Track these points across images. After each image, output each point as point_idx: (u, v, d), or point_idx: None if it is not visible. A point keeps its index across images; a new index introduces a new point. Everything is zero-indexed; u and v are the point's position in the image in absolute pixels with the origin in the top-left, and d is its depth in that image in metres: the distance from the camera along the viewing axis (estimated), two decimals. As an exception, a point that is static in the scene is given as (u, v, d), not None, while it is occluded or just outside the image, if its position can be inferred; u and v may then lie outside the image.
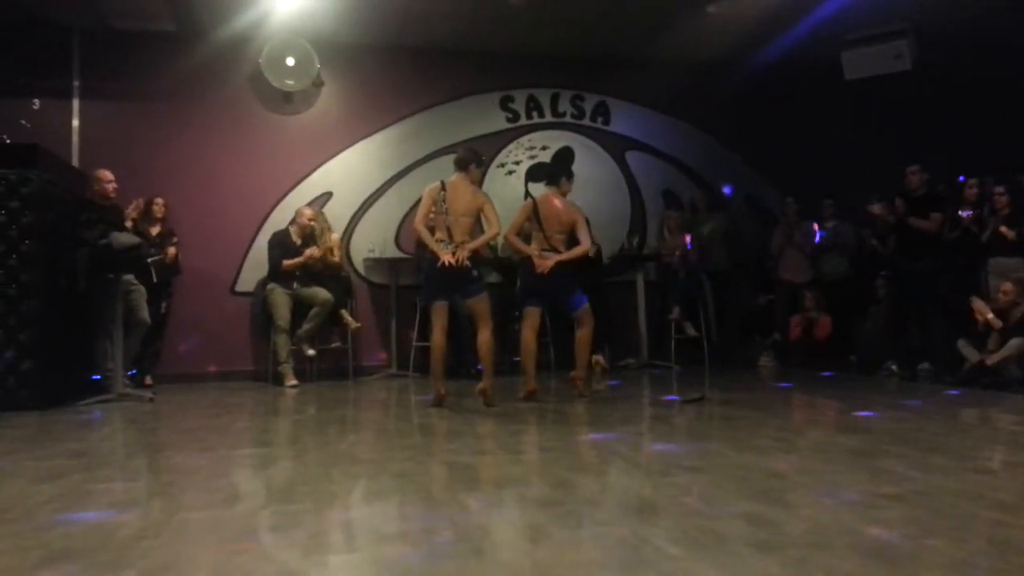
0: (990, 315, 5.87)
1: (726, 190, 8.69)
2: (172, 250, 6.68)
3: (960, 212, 6.55)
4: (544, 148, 8.33)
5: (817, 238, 7.72)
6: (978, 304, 5.99)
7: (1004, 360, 5.64)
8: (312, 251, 6.90)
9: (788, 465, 3.05)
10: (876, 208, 6.93)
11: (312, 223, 7.11)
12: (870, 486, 2.70)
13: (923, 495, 2.53)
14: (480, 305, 5.03)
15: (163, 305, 6.75)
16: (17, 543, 2.17)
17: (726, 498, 2.56)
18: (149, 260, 6.06)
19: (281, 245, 6.94)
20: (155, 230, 6.68)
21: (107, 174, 6.10)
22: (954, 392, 5.53)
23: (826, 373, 6.96)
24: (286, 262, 6.83)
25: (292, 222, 7.08)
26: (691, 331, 7.69)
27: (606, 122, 8.54)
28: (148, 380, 6.65)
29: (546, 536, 2.17)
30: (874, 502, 2.48)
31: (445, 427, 4.31)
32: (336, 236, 7.47)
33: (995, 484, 2.77)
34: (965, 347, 5.94)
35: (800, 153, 8.28)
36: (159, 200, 6.74)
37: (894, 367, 6.76)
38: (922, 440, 3.60)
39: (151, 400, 5.61)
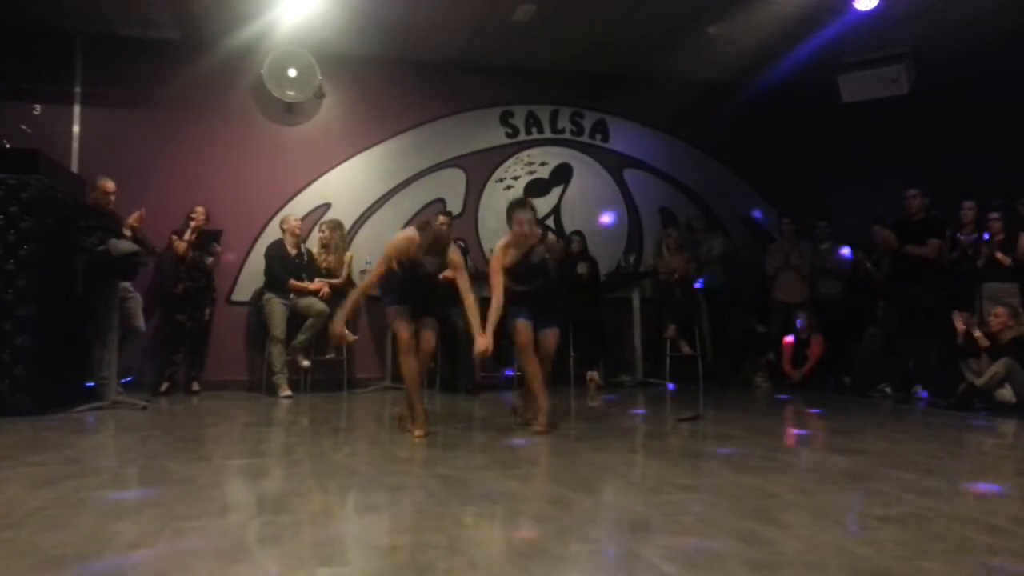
0: (977, 333, 5.86)
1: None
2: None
3: (959, 236, 6.56)
4: (543, 164, 8.38)
5: (846, 254, 7.68)
6: (960, 318, 5.96)
7: (992, 379, 5.63)
8: (325, 291, 6.94)
9: (782, 485, 3.05)
10: (880, 233, 6.88)
11: (299, 226, 7.19)
12: (864, 507, 2.70)
13: (916, 517, 2.54)
14: None
15: (207, 312, 6.96)
16: (11, 549, 2.16)
17: (720, 517, 2.56)
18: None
19: (278, 256, 6.95)
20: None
21: (109, 184, 6.10)
22: (948, 415, 5.54)
23: (820, 394, 6.98)
24: (294, 283, 6.87)
25: (283, 231, 7.13)
26: (686, 349, 7.71)
27: (604, 139, 8.59)
28: (195, 386, 6.89)
29: (540, 551, 2.17)
30: (868, 523, 2.49)
31: (440, 441, 4.30)
32: (350, 254, 7.44)
33: (988, 508, 2.77)
34: (967, 370, 5.94)
35: (797, 174, 8.35)
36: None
37: (888, 389, 6.78)
38: (916, 462, 3.60)
39: (144, 408, 5.59)
